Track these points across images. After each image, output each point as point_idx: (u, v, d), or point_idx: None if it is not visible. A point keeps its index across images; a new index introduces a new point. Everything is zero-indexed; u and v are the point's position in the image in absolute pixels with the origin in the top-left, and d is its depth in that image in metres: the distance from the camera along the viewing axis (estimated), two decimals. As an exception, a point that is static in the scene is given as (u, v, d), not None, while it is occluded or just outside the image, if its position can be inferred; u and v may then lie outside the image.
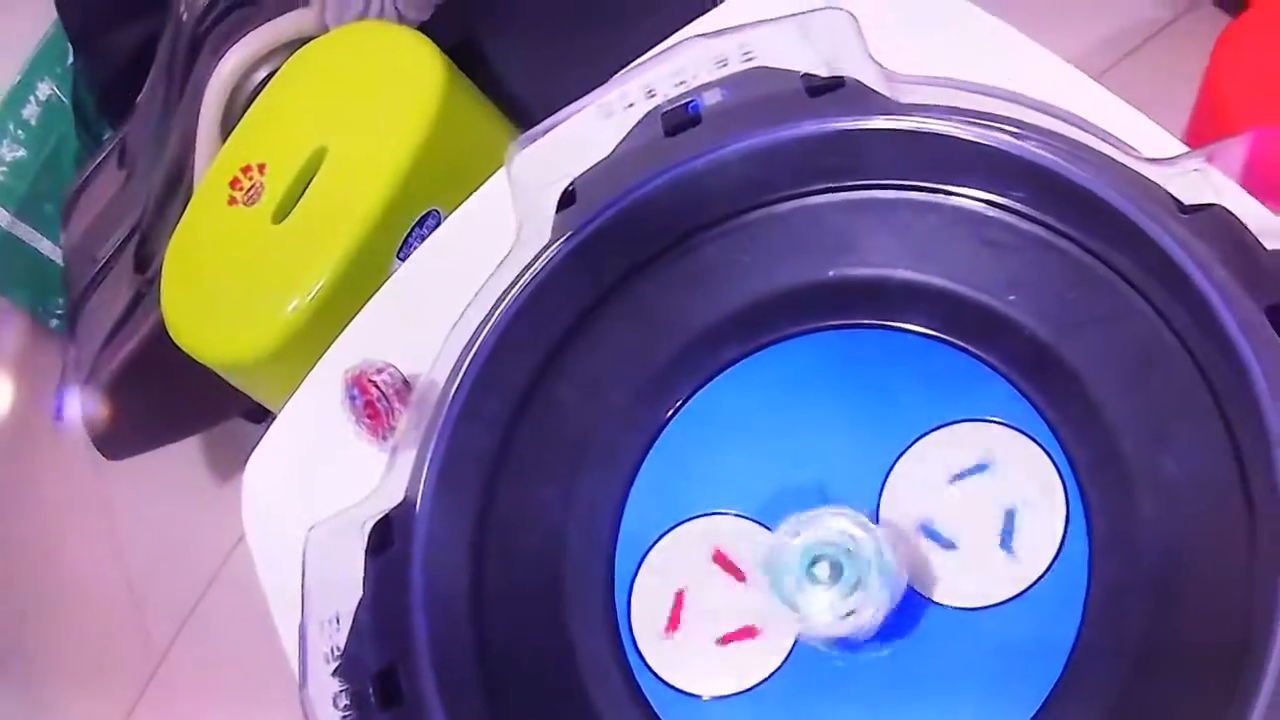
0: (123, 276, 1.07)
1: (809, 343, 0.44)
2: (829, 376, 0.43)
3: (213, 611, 1.13)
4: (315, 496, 0.45)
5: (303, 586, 0.42)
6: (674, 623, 0.41)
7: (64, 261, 1.23)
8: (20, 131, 1.32)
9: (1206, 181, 0.38)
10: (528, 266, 0.43)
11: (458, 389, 0.42)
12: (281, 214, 0.82)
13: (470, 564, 0.41)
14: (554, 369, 0.43)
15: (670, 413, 0.44)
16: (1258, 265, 0.35)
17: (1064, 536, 0.38)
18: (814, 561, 0.37)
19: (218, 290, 0.83)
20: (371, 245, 0.75)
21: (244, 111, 0.92)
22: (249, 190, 0.85)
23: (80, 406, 1.04)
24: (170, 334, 0.85)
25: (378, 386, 0.47)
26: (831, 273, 0.43)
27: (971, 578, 0.39)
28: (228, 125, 0.95)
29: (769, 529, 0.41)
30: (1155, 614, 0.35)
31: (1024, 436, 0.40)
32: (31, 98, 1.32)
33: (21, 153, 1.32)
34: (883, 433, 0.41)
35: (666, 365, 0.44)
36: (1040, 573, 0.38)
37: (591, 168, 0.45)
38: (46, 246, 1.36)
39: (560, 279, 0.43)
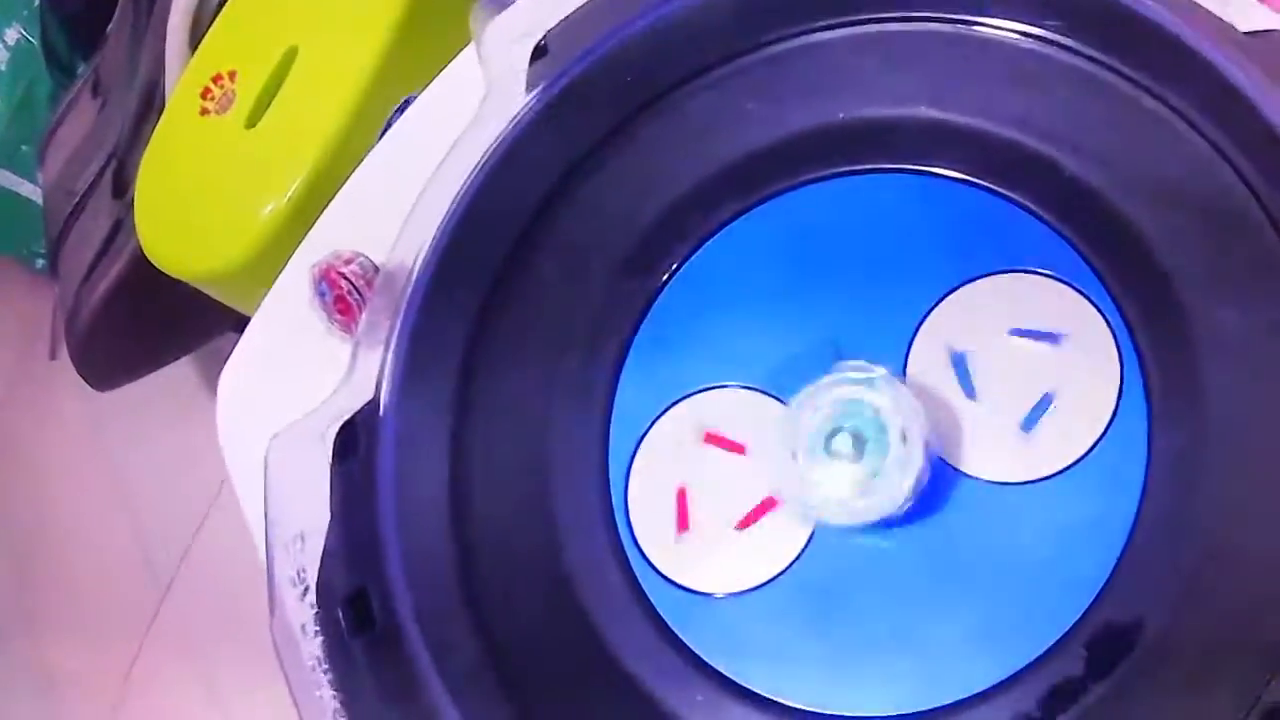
0: (101, 205, 1.04)
1: (818, 192, 0.39)
2: (842, 228, 0.38)
3: (213, 540, 1.10)
4: (289, 406, 0.40)
5: (265, 504, 0.38)
6: (683, 522, 0.37)
7: (43, 200, 1.21)
8: (-11, 80, 1.29)
9: (1262, 7, 0.34)
10: (497, 131, 0.39)
11: (424, 269, 0.37)
12: (254, 119, 0.77)
13: (447, 469, 0.37)
14: (531, 240, 0.39)
15: (665, 278, 0.39)
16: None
17: (1118, 402, 0.33)
18: (833, 434, 0.33)
19: (191, 203, 0.79)
20: (348, 141, 0.70)
21: (212, 22, 0.88)
22: (220, 99, 0.80)
23: (67, 341, 1.02)
24: (146, 253, 0.81)
25: (347, 278, 0.44)
26: (842, 114, 0.38)
27: (1014, 448, 0.34)
28: (196, 38, 0.91)
29: (781, 401, 0.36)
30: (1223, 487, 0.31)
31: (1071, 289, 0.35)
32: (-1, 44, 1.29)
33: (-8, 100, 1.30)
34: (908, 287, 0.36)
35: (657, 227, 0.39)
36: (1092, 443, 0.33)
37: (566, 18, 0.40)
38: (27, 189, 1.34)
39: (534, 139, 0.38)
